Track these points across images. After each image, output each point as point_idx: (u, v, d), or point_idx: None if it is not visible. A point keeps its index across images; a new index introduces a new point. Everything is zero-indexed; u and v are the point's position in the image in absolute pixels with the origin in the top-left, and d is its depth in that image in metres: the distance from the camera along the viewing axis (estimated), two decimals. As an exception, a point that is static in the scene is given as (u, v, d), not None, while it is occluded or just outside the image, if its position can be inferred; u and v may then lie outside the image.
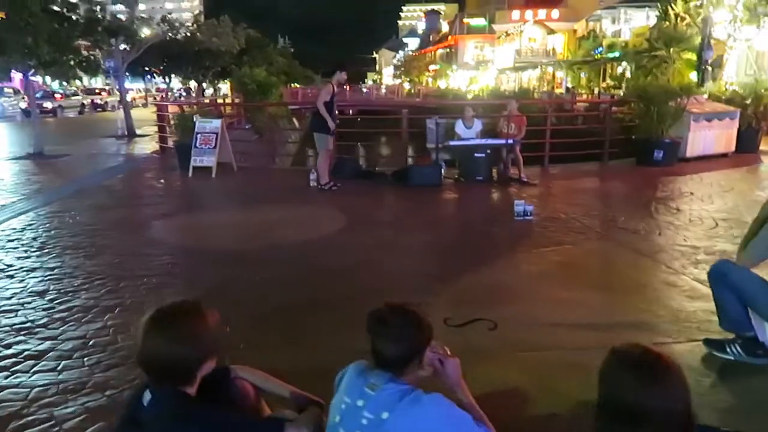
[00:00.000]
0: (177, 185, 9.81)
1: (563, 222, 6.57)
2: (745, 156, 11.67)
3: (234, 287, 4.61)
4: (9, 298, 4.42)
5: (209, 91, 43.09)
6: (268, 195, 8.80)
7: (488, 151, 9.44)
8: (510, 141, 9.44)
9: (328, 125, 8.67)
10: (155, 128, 21.03)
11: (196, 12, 56.92)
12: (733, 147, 11.86)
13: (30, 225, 6.77)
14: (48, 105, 29.44)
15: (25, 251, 5.69)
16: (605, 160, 11.36)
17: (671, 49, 21.06)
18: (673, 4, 21.79)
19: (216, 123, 10.47)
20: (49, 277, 4.89)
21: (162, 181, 10.32)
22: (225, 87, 49.99)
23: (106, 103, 35.24)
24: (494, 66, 49.66)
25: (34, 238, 6.16)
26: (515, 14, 57.89)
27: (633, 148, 11.29)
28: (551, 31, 44.17)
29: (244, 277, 4.83)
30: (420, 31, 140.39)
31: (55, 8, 12.53)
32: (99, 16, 14.38)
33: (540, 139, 10.89)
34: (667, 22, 22.07)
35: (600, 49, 40.46)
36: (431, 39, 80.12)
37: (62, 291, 4.56)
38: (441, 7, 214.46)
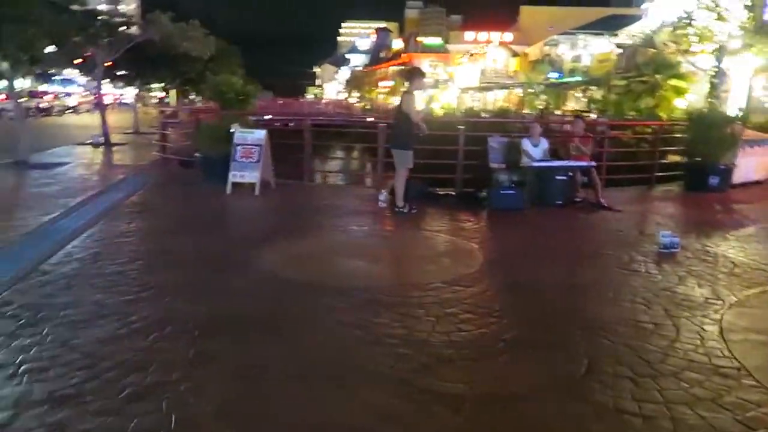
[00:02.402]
0: (227, 204, 8.55)
1: (715, 255, 5.96)
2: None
3: (466, 347, 3.65)
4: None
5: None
6: (345, 218, 7.74)
7: (570, 174, 8.84)
8: (593, 163, 8.92)
9: (411, 141, 7.83)
10: (123, 137, 19.53)
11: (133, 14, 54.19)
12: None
13: (97, 255, 5.46)
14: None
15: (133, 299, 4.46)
16: (652, 185, 11.04)
17: (657, 75, 21.50)
18: (658, 33, 22.41)
19: (259, 134, 9.31)
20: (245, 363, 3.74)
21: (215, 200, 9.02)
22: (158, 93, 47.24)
23: (51, 107, 32.43)
24: (455, 85, 49.99)
25: (133, 282, 4.87)
26: (469, 35, 58.98)
27: (683, 174, 11.05)
28: (515, 54, 44.97)
29: (455, 332, 3.87)
30: (362, 48, 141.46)
31: (52, -1, 10.97)
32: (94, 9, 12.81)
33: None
34: (653, 49, 22.66)
35: (558, 73, 41.52)
36: (382, 56, 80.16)
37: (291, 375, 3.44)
38: (382, 25, 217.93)
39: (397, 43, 71.70)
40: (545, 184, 8.78)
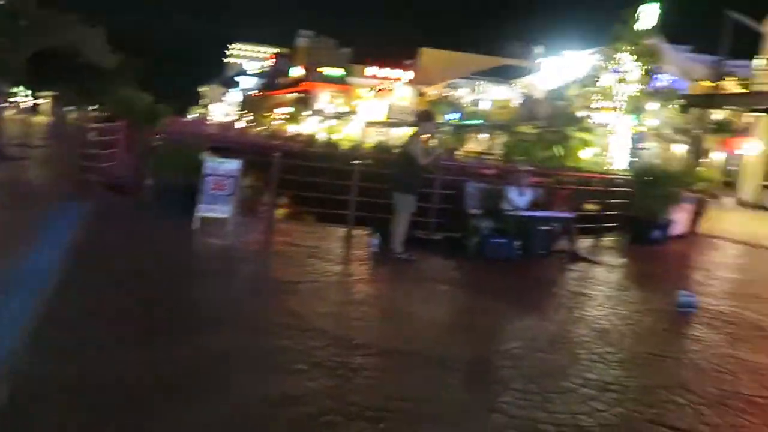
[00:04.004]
0: (209, 244, 7.61)
1: (734, 315, 6.19)
2: (696, 237, 12.77)
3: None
4: None
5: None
6: (353, 265, 7.17)
7: (554, 225, 8.97)
8: (573, 214, 9.14)
9: (416, 185, 7.52)
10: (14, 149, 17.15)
11: None
12: (688, 228, 12.93)
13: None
14: None
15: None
16: (601, 236, 11.53)
17: (568, 127, 23.07)
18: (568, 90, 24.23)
19: (233, 164, 8.46)
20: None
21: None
22: None
23: None
24: (359, 118, 50.34)
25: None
26: (369, 70, 60.08)
27: (619, 225, 11.66)
28: (421, 93, 46.29)
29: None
30: (251, 71, 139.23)
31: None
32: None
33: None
34: (561, 102, 24.38)
35: (458, 114, 43.34)
36: (280, 82, 78.98)
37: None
38: (272, 50, 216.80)
39: (296, 71, 71.32)
40: (530, 234, 8.80)
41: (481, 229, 9.20)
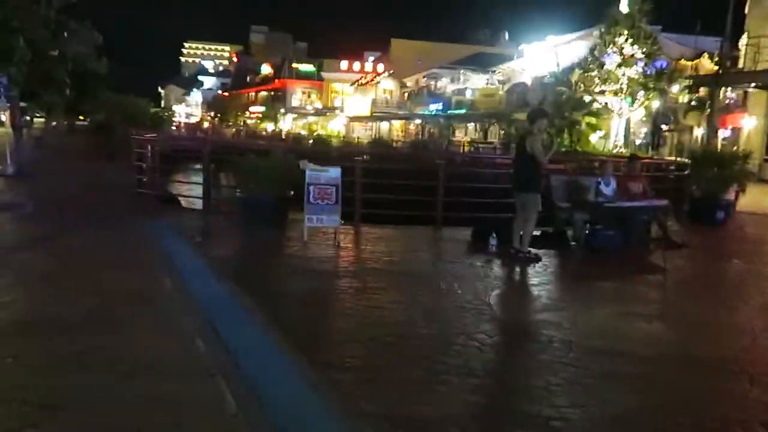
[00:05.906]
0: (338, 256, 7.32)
1: None
2: (741, 214, 13.00)
3: None
4: None
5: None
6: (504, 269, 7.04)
7: (651, 213, 8.97)
8: (666, 202, 9.17)
9: (539, 183, 7.40)
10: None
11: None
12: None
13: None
14: None
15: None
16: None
17: (575, 113, 23.24)
18: (570, 75, 24.33)
19: (335, 172, 8.12)
20: None
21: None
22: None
23: None
24: (342, 114, 49.78)
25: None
26: (343, 64, 59.48)
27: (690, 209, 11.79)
28: (404, 85, 46.02)
29: None
30: (211, 70, 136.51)
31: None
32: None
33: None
34: (565, 88, 24.50)
35: (440, 104, 43.34)
36: (249, 80, 77.29)
37: None
38: (226, 47, 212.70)
39: (266, 68, 69.80)
40: (632, 224, 8.75)
41: (576, 221, 9.14)
